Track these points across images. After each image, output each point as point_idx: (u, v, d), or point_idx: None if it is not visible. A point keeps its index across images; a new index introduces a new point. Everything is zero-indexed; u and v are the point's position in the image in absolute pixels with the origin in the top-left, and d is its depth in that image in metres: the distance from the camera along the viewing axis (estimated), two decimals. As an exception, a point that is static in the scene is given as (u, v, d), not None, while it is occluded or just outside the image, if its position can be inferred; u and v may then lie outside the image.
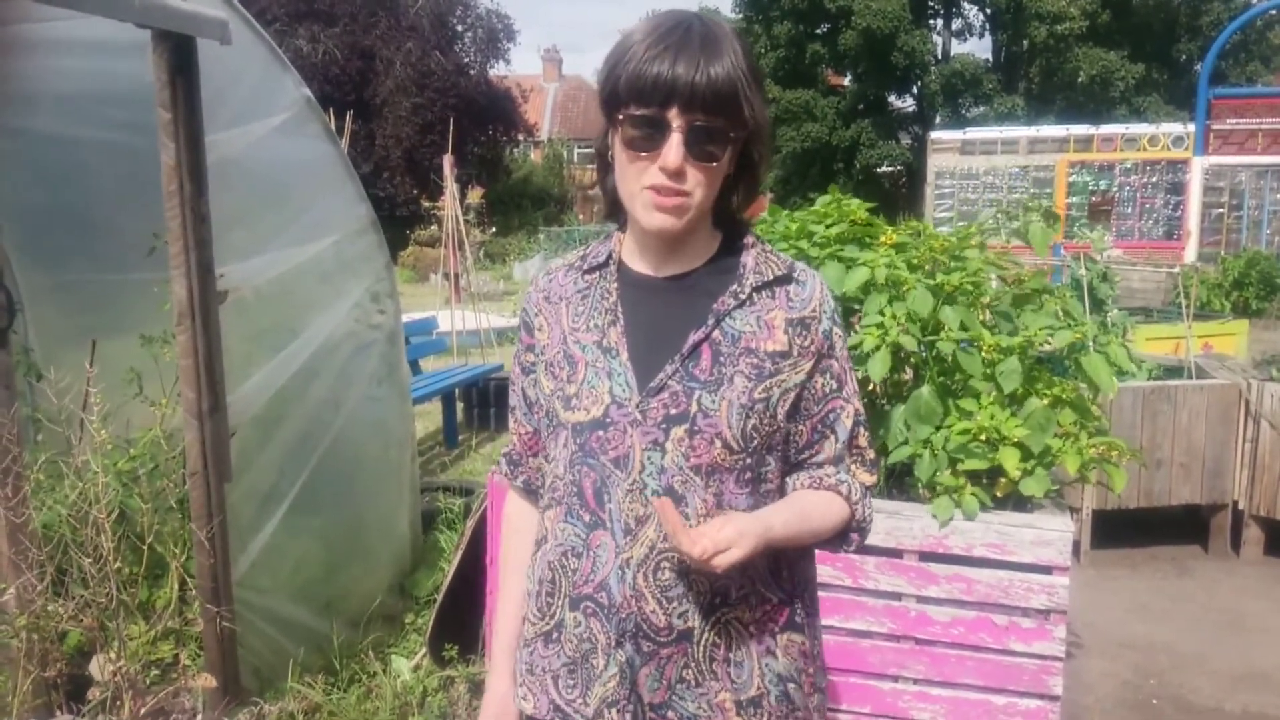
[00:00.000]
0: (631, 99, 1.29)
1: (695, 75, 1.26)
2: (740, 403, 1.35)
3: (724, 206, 1.43)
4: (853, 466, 1.50)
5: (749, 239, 1.46)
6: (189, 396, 2.74)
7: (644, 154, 1.31)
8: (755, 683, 1.41)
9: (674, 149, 1.29)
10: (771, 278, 1.43)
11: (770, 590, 1.43)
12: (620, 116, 1.32)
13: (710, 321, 1.38)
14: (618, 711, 1.38)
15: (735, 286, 1.41)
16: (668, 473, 1.35)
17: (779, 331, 1.40)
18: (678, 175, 1.30)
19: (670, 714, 1.38)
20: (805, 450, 1.46)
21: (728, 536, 1.25)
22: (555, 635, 1.44)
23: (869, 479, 1.52)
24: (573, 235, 21.49)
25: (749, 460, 1.38)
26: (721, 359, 1.37)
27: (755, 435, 1.37)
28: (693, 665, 1.38)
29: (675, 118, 1.28)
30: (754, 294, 1.41)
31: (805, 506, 1.42)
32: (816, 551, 1.55)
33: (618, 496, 1.36)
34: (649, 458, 1.35)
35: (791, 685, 1.45)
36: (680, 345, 1.38)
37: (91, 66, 3.18)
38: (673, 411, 1.35)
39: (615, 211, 1.48)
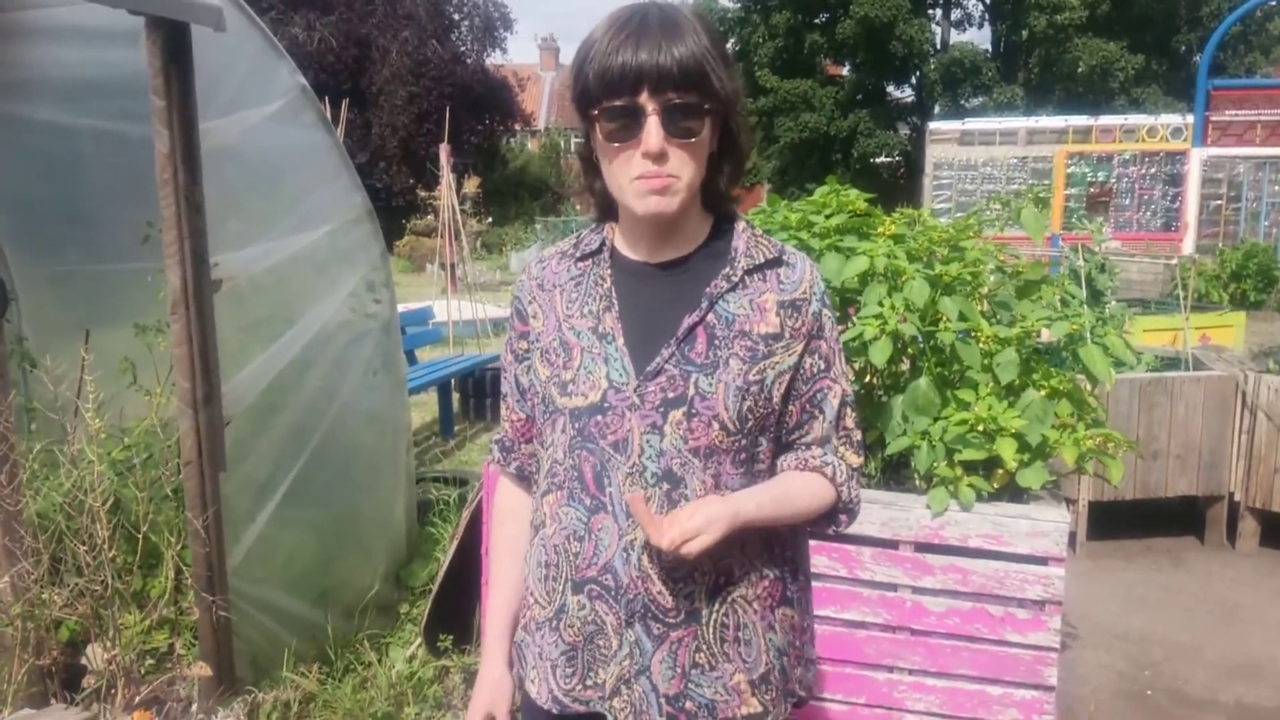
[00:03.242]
0: (602, 93, 1.31)
1: (659, 57, 1.28)
2: (736, 385, 1.38)
3: (712, 187, 1.44)
4: (840, 448, 1.52)
5: (739, 224, 1.48)
6: (183, 386, 2.73)
7: (625, 144, 1.33)
8: (764, 660, 1.45)
9: (653, 132, 1.30)
10: (763, 260, 1.45)
11: (767, 566, 1.47)
12: (595, 112, 1.33)
13: (704, 305, 1.40)
14: (627, 687, 1.40)
15: (727, 270, 1.43)
16: (666, 455, 1.37)
17: (771, 314, 1.42)
18: (661, 157, 1.32)
19: (689, 704, 1.41)
20: (795, 431, 1.49)
21: (696, 525, 1.28)
22: (555, 623, 1.46)
23: (856, 460, 1.54)
24: (569, 225, 21.45)
25: (744, 441, 1.41)
26: (716, 342, 1.39)
27: (751, 417, 1.40)
28: (704, 648, 1.40)
29: (648, 101, 1.30)
30: (746, 277, 1.43)
31: (788, 488, 1.46)
32: (814, 542, 1.56)
33: (618, 480, 1.38)
34: (648, 441, 1.37)
35: (785, 659, 1.50)
36: (675, 329, 1.39)
37: (85, 54, 3.16)
38: (670, 395, 1.37)
39: (606, 213, 1.50)
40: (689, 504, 1.33)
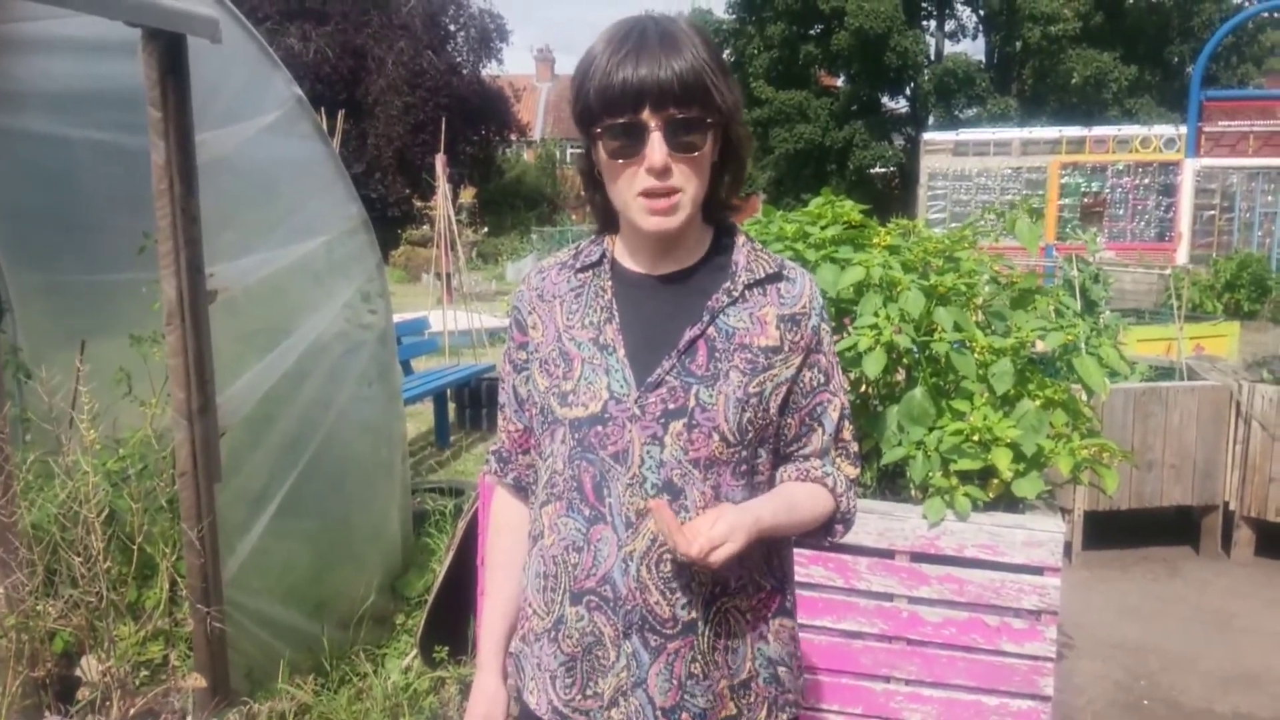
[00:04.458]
0: (604, 110, 1.32)
1: (660, 73, 1.28)
2: (736, 397, 1.38)
3: (713, 196, 1.44)
4: (838, 459, 1.54)
5: (740, 237, 1.49)
6: (179, 397, 2.73)
7: (629, 160, 1.33)
8: (746, 666, 1.46)
9: (656, 148, 1.31)
10: (763, 275, 1.46)
11: (765, 578, 1.48)
12: (598, 130, 1.34)
13: (705, 318, 1.41)
14: (625, 699, 1.40)
15: (728, 284, 1.44)
16: (666, 466, 1.38)
17: (771, 327, 1.43)
18: (664, 173, 1.32)
19: (684, 715, 1.41)
20: (794, 443, 1.50)
21: (720, 532, 1.28)
22: (554, 633, 1.46)
23: (853, 471, 1.57)
24: (565, 235, 21.47)
25: (744, 453, 1.41)
26: (717, 354, 1.40)
27: (750, 428, 1.41)
28: (699, 658, 1.41)
29: (650, 118, 1.30)
30: (746, 291, 1.45)
31: (793, 498, 1.46)
32: (810, 552, 1.57)
33: (618, 491, 1.39)
34: (648, 452, 1.38)
35: (782, 668, 1.51)
36: (676, 341, 1.40)
37: (81, 66, 3.17)
38: (671, 406, 1.38)
39: (606, 224, 1.51)
40: (709, 512, 1.33)
